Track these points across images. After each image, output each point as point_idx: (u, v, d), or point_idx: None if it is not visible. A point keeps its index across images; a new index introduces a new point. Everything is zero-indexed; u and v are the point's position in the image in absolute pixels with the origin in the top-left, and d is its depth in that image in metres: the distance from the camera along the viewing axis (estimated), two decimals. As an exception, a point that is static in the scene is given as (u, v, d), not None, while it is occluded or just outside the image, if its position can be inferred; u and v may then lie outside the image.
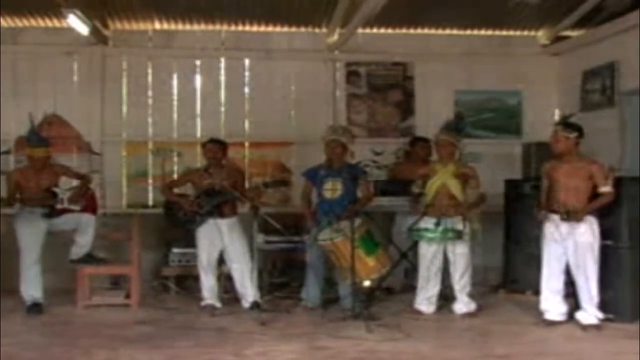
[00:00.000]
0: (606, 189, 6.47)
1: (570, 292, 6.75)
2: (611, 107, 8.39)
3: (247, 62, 9.23)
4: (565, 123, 6.69)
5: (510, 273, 8.32)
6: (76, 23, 7.80)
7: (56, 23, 8.75)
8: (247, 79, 9.21)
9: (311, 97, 9.20)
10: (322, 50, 9.26)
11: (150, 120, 9.07)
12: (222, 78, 9.17)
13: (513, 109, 9.53)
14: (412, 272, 7.98)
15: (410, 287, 7.80)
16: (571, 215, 6.40)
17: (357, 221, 6.84)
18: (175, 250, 8.29)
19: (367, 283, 7.00)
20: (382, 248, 7.14)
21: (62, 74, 8.89)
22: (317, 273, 7.37)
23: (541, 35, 9.50)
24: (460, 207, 7.02)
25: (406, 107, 9.46)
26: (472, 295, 7.21)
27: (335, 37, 9.06)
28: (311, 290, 7.40)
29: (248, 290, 7.32)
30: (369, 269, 6.88)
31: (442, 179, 7.13)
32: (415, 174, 7.50)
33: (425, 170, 7.36)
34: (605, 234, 6.61)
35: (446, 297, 7.36)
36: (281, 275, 8.35)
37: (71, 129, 8.76)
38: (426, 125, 9.00)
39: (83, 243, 7.33)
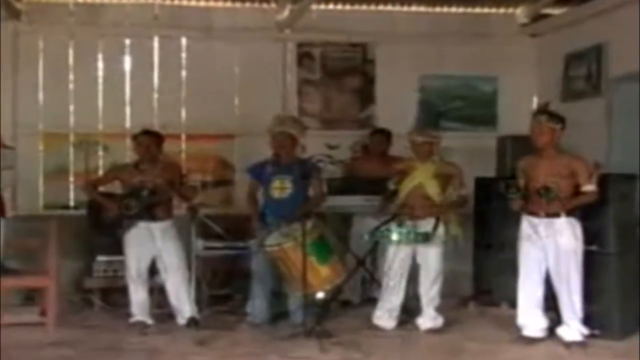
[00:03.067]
0: (589, 187, 6.49)
1: (551, 305, 6.74)
2: (597, 96, 8.45)
3: (184, 41, 9.18)
4: (549, 112, 6.71)
5: (483, 283, 8.37)
6: (-18, -6, 7.61)
7: (-43, -6, 8.57)
8: (184, 62, 9.16)
9: (257, 82, 9.16)
10: (271, 28, 9.22)
11: (71, 108, 8.95)
12: (156, 60, 9.12)
13: (487, 97, 9.63)
14: (370, 282, 8.01)
15: (369, 300, 7.81)
16: (549, 195, 6.38)
17: (309, 224, 6.80)
18: (100, 258, 8.16)
19: (320, 295, 6.96)
20: (336, 255, 7.11)
21: (-34, 54, 8.74)
22: (264, 284, 7.33)
23: (519, 13, 9.54)
24: (435, 210, 7.04)
25: (366, 95, 9.49)
26: (439, 309, 7.21)
27: (286, 13, 8.98)
28: (257, 304, 7.35)
29: (184, 304, 7.29)
30: (321, 279, 6.84)
31: (419, 178, 7.16)
32: (379, 170, 7.51)
33: (402, 166, 7.38)
34: (589, 238, 6.63)
35: (409, 310, 7.35)
36: (223, 286, 8.29)
37: (-23, 119, 8.62)
38: (388, 116, 9.05)
39: (-10, 251, 7.22)
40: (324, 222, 7.42)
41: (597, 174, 6.51)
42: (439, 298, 7.17)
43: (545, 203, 6.45)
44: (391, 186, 7.28)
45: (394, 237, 7.03)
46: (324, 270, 6.85)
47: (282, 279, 7.18)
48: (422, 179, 7.13)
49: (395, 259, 7.15)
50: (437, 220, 7.00)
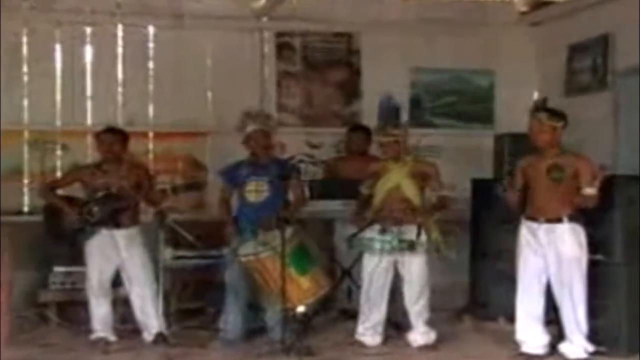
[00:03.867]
0: (590, 191, 6.45)
1: (553, 319, 6.75)
2: (603, 90, 8.47)
3: (151, 30, 9.15)
4: (549, 109, 6.74)
5: (479, 295, 8.37)
6: None
7: None
8: (151, 52, 9.13)
9: (232, 75, 9.12)
10: (246, 16, 9.19)
11: (26, 103, 8.87)
12: (120, 50, 9.06)
13: (483, 92, 9.67)
14: (357, 293, 7.91)
15: (355, 313, 7.70)
16: (559, 174, 6.46)
17: (289, 231, 6.78)
18: (57, 269, 8.13)
19: (301, 309, 6.95)
20: (319, 265, 7.10)
21: None
22: (239, 297, 7.30)
23: (518, 0, 9.51)
24: (415, 213, 7.00)
25: (351, 89, 9.50)
26: (430, 323, 7.18)
27: (263, 0, 8.94)
28: (231, 319, 7.32)
29: (151, 319, 7.25)
30: (302, 292, 6.83)
31: (395, 180, 7.13)
32: (359, 171, 7.49)
33: (376, 167, 7.35)
34: (594, 246, 6.63)
35: (397, 325, 7.36)
36: (194, 299, 8.26)
37: None
38: (375, 111, 9.09)
39: None
40: (304, 228, 7.38)
41: (600, 178, 6.46)
42: (427, 311, 7.14)
43: (551, 183, 6.47)
44: (364, 191, 7.26)
45: (377, 245, 7.01)
46: (305, 282, 6.84)
47: (258, 292, 7.16)
48: (398, 179, 7.11)
49: (377, 269, 7.10)
50: (419, 225, 6.97)
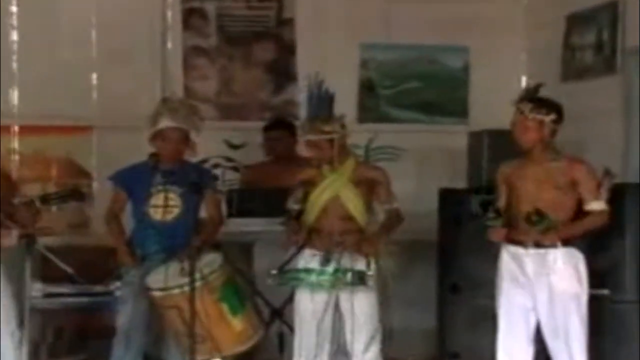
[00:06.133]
0: (597, 205, 6.50)
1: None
2: (611, 73, 8.56)
3: None
4: (536, 99, 6.75)
5: (449, 341, 8.39)
6: None
7: None
8: (15, 20, 9.14)
9: (125, 51, 9.18)
10: (143, -29, 9.28)
11: None
12: None
13: (455, 76, 9.79)
14: (291, 340, 7.93)
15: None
16: (543, 223, 6.43)
17: (217, 259, 6.88)
18: None
19: None
20: (249, 303, 7.21)
21: None
22: (133, 346, 7.25)
23: (502, -44, 9.71)
24: (363, 236, 7.01)
25: (283, 70, 9.59)
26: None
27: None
28: None
29: None
30: (235, 336, 6.92)
31: (332, 189, 7.11)
32: (285, 180, 7.50)
33: (307, 175, 7.29)
34: (598, 278, 6.70)
35: None
36: (72, 351, 8.31)
37: None
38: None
39: None
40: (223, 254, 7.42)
41: (607, 186, 6.50)
42: (381, 360, 7.21)
43: (539, 232, 6.51)
44: (293, 206, 7.19)
45: (313, 278, 6.99)
46: (238, 324, 6.92)
47: (162, 338, 7.24)
48: (336, 189, 7.09)
49: (310, 309, 7.05)
50: (367, 253, 6.91)
